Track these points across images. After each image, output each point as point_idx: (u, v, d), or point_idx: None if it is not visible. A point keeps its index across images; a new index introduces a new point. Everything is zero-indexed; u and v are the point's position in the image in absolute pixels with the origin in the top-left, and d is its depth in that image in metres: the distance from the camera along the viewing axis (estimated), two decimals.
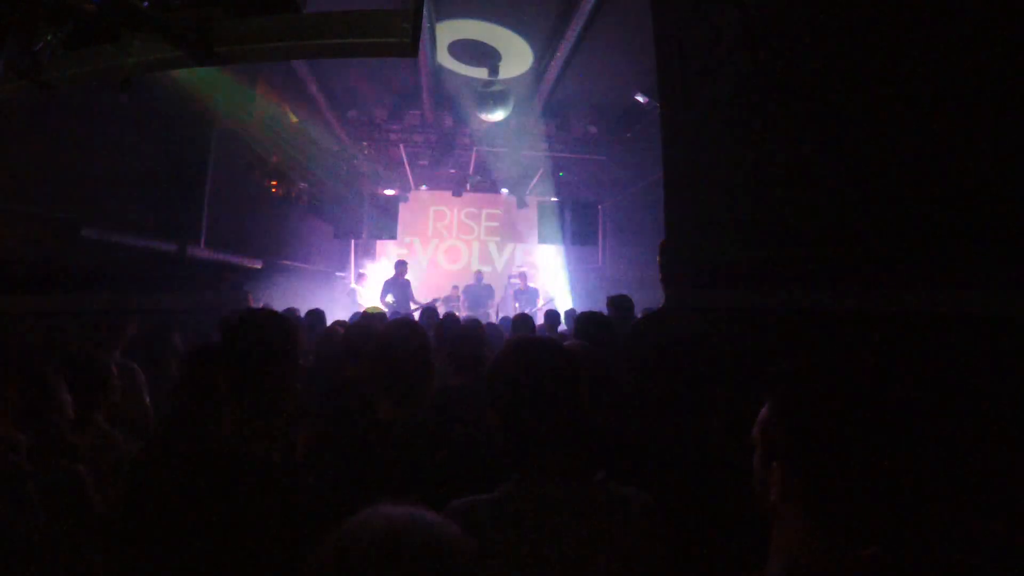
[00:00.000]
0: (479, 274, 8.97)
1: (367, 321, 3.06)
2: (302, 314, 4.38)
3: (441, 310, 6.66)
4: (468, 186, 9.87)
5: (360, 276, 8.67)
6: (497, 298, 9.00)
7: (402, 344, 1.49)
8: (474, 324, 2.49)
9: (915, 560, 0.78)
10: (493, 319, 7.42)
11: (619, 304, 3.57)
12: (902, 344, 1.41)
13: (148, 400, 2.33)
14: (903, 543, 0.76)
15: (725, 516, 1.23)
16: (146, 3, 1.19)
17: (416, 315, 5.76)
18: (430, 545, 0.56)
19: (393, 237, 9.61)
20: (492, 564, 0.93)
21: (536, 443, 1.02)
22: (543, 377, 1.03)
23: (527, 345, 1.11)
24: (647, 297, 5.34)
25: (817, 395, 0.81)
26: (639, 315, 3.92)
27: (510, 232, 10.47)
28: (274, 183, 7.07)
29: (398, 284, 7.52)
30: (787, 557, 0.79)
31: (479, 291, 8.66)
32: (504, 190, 9.97)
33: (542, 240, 9.86)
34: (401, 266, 7.66)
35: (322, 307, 4.46)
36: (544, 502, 0.98)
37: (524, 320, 3.93)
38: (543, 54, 6.40)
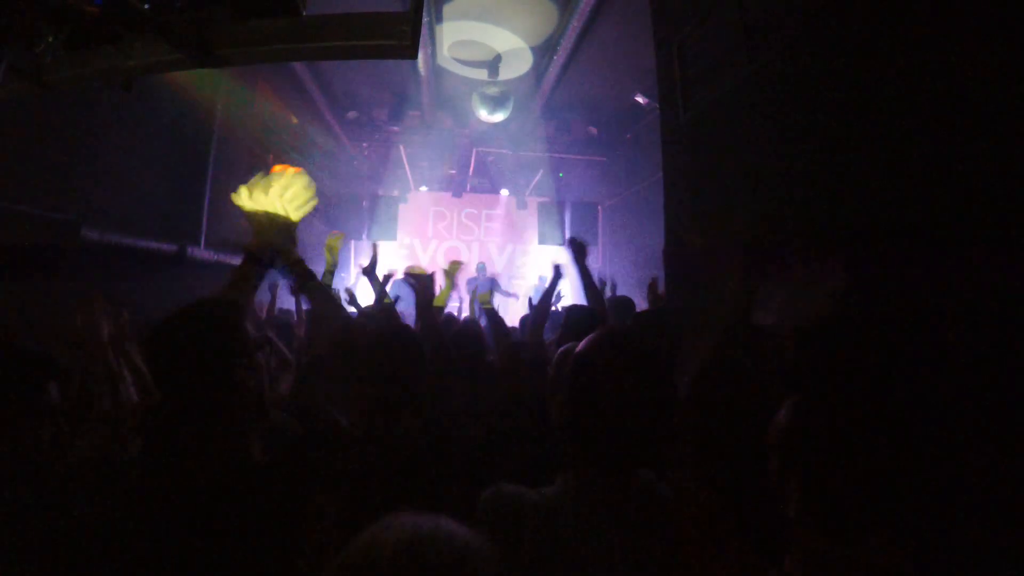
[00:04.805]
0: (482, 265, 8.90)
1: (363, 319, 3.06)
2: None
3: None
4: (468, 187, 9.87)
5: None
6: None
7: (396, 352, 1.48)
8: (473, 328, 2.49)
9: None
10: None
11: (618, 306, 3.55)
12: (922, 345, 1.37)
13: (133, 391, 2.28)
14: (931, 559, 0.72)
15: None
16: (147, 5, 1.20)
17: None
18: (454, 556, 0.54)
19: (393, 238, 9.66)
20: (539, 562, 0.89)
21: (605, 440, 0.97)
22: (630, 373, 0.98)
23: (618, 338, 1.05)
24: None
25: (843, 403, 0.76)
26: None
27: (510, 233, 10.46)
28: None
29: (407, 285, 7.77)
30: (808, 562, 0.76)
31: (483, 285, 8.59)
32: (504, 191, 9.96)
33: (542, 241, 9.88)
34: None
35: None
36: (601, 501, 0.94)
37: (626, 303, 3.55)
38: (543, 55, 6.41)
